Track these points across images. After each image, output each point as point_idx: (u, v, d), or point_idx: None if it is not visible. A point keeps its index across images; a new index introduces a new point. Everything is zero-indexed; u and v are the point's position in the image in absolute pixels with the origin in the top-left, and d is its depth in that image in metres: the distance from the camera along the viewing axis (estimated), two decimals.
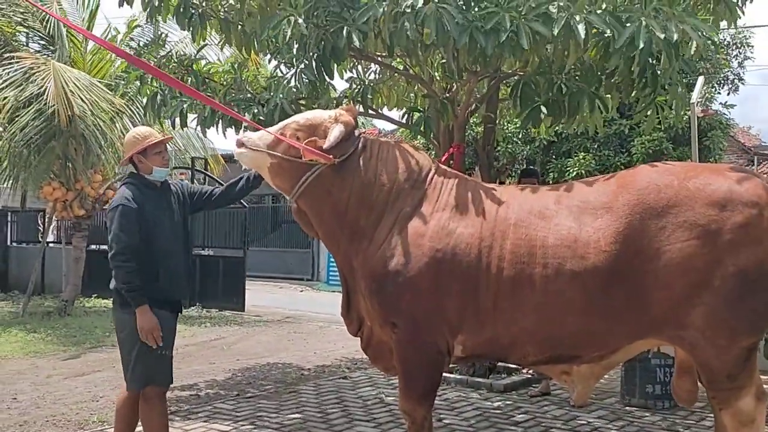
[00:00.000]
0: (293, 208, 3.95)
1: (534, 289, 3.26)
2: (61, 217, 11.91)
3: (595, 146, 14.88)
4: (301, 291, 16.58)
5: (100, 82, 10.34)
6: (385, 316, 3.54)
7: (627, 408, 5.37)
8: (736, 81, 15.36)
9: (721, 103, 13.96)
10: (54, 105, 9.32)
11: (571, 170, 13.75)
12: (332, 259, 19.62)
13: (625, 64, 4.34)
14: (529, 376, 6.14)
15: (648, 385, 5.33)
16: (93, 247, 14.11)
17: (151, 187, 3.80)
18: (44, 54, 11.11)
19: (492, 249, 3.37)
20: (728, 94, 17.20)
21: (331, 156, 3.60)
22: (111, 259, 3.61)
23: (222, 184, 4.28)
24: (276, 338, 9.12)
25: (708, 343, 3.12)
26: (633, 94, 5.02)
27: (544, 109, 4.83)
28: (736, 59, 15.22)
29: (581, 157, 14.67)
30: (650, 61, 4.41)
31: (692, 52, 4.25)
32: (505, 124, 12.56)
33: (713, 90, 14.45)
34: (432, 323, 3.47)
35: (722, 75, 14.70)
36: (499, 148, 14.77)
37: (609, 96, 5.16)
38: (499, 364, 6.44)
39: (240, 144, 3.77)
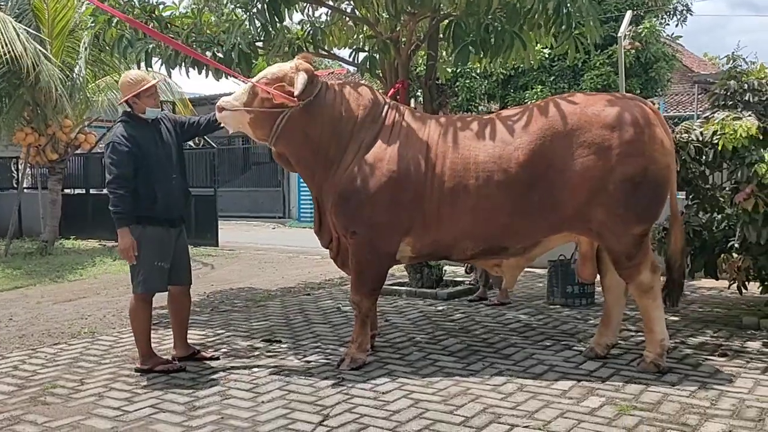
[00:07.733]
0: (273, 152, 4.61)
1: (469, 195, 4.11)
2: (36, 162, 12.28)
3: (551, 79, 15.47)
4: (273, 228, 17.23)
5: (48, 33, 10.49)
6: (347, 226, 4.33)
7: (550, 306, 6.21)
8: (684, 12, 15.89)
9: (666, 36, 14.58)
10: (10, 51, 9.59)
11: (528, 102, 14.44)
12: (302, 197, 19.98)
13: (540, 3, 4.96)
14: (471, 286, 6.93)
15: (568, 286, 6.17)
16: (68, 191, 14.56)
17: (143, 123, 4.39)
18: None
19: (436, 166, 4.19)
20: (677, 25, 17.74)
21: (296, 99, 4.21)
22: (106, 186, 4.28)
23: None
24: (247, 267, 9.81)
25: (609, 232, 4.03)
26: (552, 31, 5.63)
27: (472, 47, 5.41)
28: None
29: (538, 89, 15.28)
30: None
31: None
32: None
33: (662, 22, 15.00)
34: (387, 230, 4.29)
35: (671, 6, 15.22)
36: (458, 83, 15.30)
37: (531, 33, 5.76)
38: (445, 278, 7.25)
39: (220, 109, 4.40)
